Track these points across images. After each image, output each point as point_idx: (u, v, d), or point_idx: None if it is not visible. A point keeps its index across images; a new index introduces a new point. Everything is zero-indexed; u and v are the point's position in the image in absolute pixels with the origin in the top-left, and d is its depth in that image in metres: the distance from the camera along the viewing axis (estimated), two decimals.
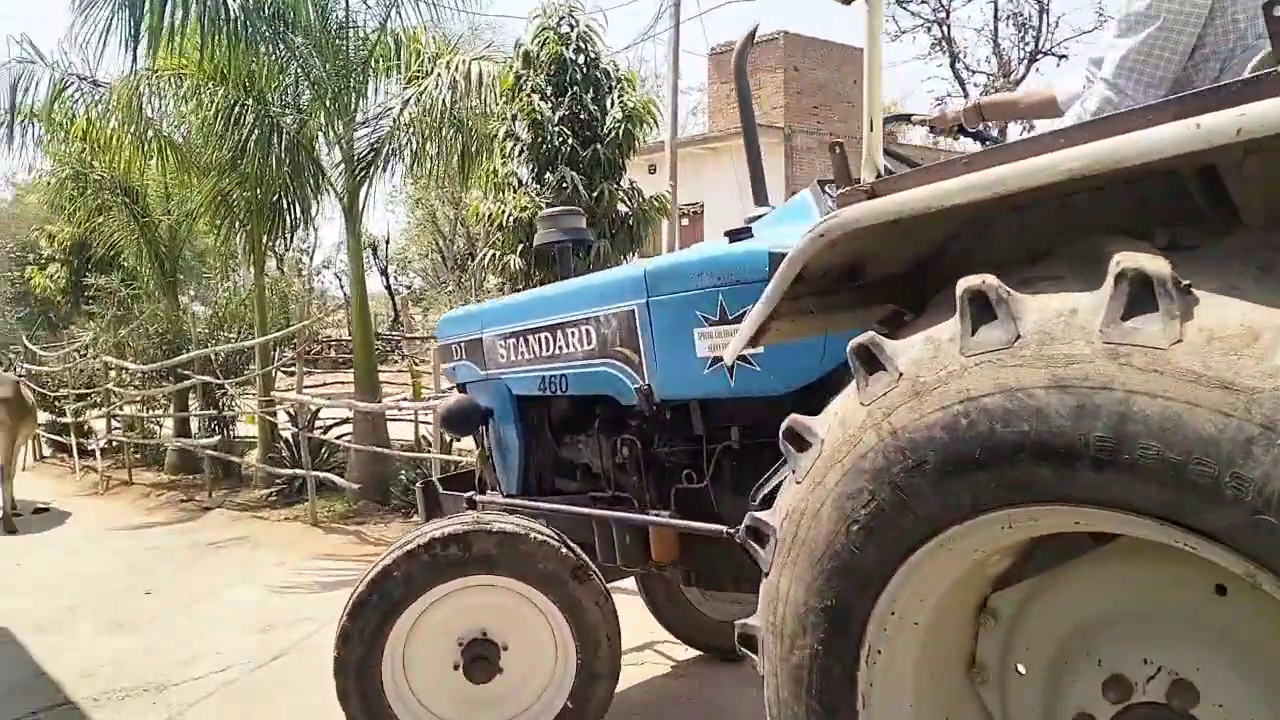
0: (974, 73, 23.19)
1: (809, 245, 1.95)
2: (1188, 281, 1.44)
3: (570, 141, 8.07)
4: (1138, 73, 2.21)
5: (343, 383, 16.26)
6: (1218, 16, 2.17)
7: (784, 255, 2.05)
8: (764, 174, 3.43)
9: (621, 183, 8.54)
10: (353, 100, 9.88)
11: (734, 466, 3.14)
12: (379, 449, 9.36)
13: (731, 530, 2.77)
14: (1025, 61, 22.77)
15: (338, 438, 10.69)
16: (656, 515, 3.30)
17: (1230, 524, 1.36)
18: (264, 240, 11.54)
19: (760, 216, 3.05)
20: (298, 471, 9.49)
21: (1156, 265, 1.46)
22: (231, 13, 8.88)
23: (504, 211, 8.14)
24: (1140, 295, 1.46)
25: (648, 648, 4.95)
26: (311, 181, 10.45)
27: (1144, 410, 1.42)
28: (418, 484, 4.68)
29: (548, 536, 3.32)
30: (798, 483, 1.96)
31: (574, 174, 7.89)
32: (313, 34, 9.56)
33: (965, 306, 1.67)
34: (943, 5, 22.43)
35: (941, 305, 1.80)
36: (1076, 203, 1.77)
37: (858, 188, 1.97)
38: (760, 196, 3.34)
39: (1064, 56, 22.68)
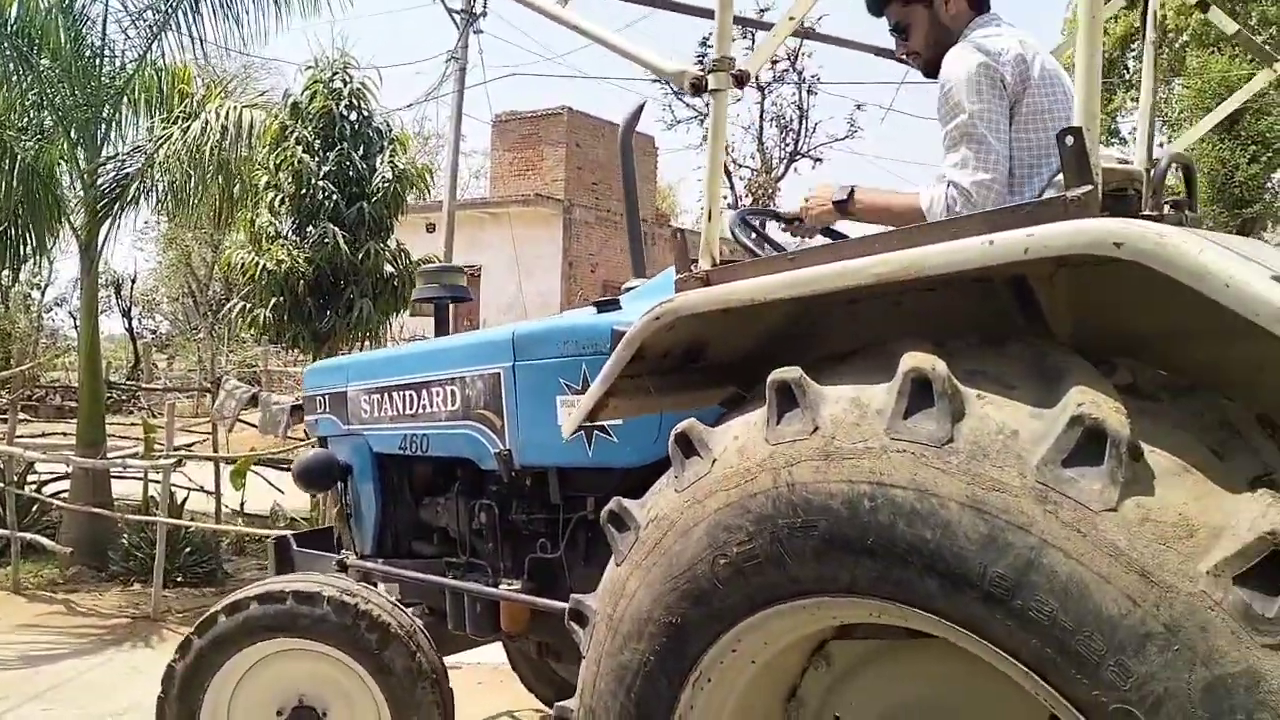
0: (740, 166, 24.66)
1: (645, 326, 1.97)
2: (1139, 443, 1.36)
3: (335, 197, 7.87)
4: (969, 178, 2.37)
5: (65, 433, 14.84)
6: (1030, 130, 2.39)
7: (624, 332, 2.06)
8: (643, 246, 3.47)
9: (389, 242, 8.40)
10: (101, 132, 9.22)
11: (588, 538, 3.09)
12: (99, 509, 8.54)
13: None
14: (785, 160, 24.49)
15: (53, 494, 9.70)
16: (507, 586, 3.22)
17: (1096, 700, 1.31)
18: None
19: (635, 288, 3.06)
20: (1, 531, 8.51)
21: (1115, 420, 1.36)
22: None
23: (257, 263, 7.80)
24: (1088, 446, 1.36)
25: (506, 715, 4.91)
26: (47, 213, 9.61)
27: (1054, 566, 1.35)
28: (270, 539, 4.41)
29: (372, 603, 3.20)
30: (676, 491, 1.87)
31: (337, 230, 7.69)
32: (62, 58, 8.88)
33: (906, 384, 1.54)
34: None
35: (869, 365, 1.70)
36: (909, 301, 1.79)
37: (694, 275, 2.00)
38: (639, 267, 3.35)
39: (819, 160, 24.60)
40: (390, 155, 8.29)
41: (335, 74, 8.12)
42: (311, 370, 4.41)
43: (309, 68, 8.24)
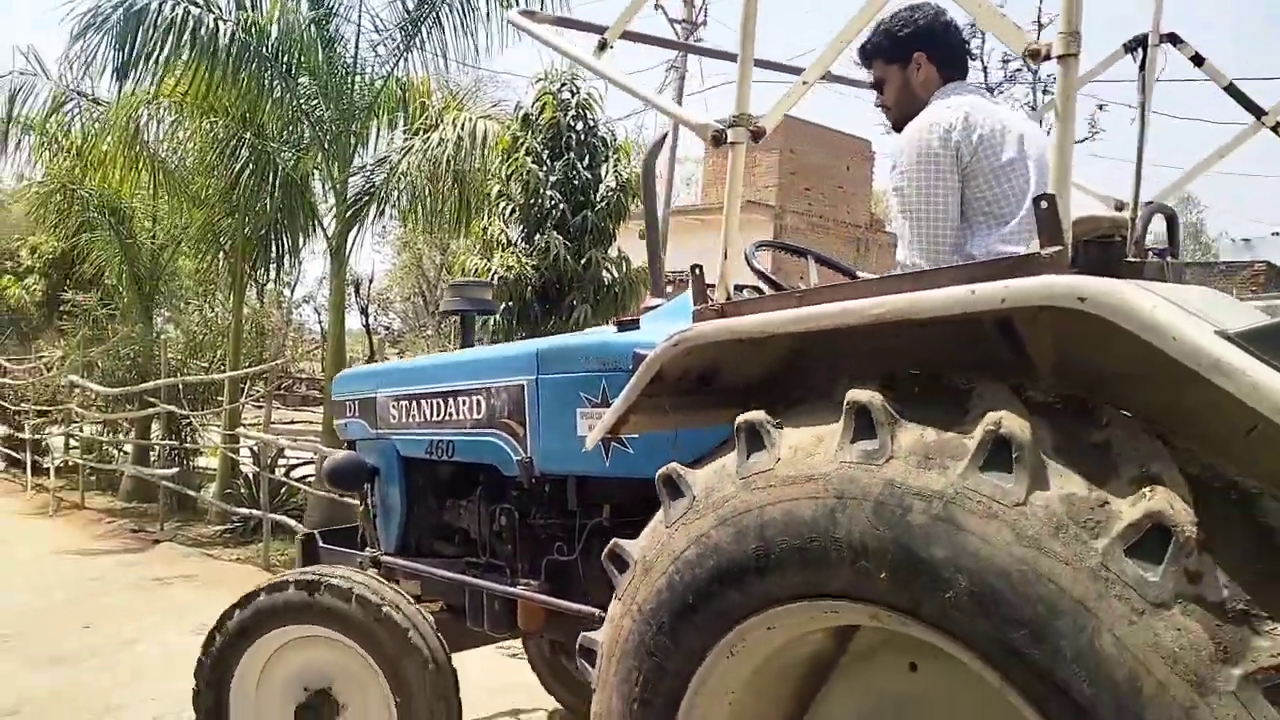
0: None
1: (664, 351, 2.15)
2: (778, 420, 1.91)
3: (561, 206, 8.10)
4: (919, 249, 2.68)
5: (310, 420, 16.01)
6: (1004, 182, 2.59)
7: (646, 354, 2.24)
8: (663, 267, 3.63)
9: (610, 250, 8.57)
10: (352, 144, 9.91)
11: (602, 544, 3.15)
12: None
13: (604, 614, 2.78)
14: None
15: (300, 479, 10.51)
16: (525, 586, 3.35)
17: (846, 580, 1.68)
18: (247, 272, 11.47)
19: (653, 308, 3.18)
20: (254, 511, 9.31)
21: (761, 417, 1.93)
22: (224, 51, 8.91)
23: (489, 269, 8.14)
24: (755, 438, 1.92)
25: (520, 713, 5.00)
26: (302, 219, 10.43)
27: (771, 516, 1.80)
28: (299, 535, 4.69)
29: (392, 602, 3.31)
30: (617, 600, 2.21)
31: (560, 238, 7.91)
32: (320, 76, 9.61)
33: (662, 489, 2.08)
34: None
35: (727, 441, 2.09)
36: (903, 335, 1.96)
37: (710, 306, 2.19)
38: (658, 288, 3.49)
39: None
40: (615, 164, 8.45)
41: (563, 85, 8.35)
42: (341, 377, 4.59)
43: (539, 80, 8.52)
